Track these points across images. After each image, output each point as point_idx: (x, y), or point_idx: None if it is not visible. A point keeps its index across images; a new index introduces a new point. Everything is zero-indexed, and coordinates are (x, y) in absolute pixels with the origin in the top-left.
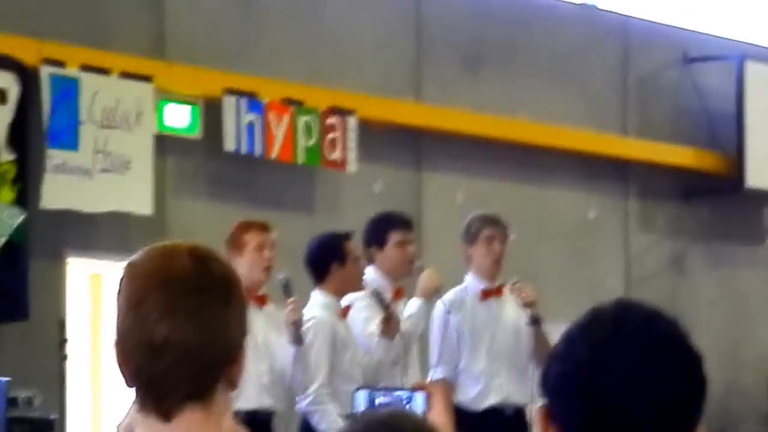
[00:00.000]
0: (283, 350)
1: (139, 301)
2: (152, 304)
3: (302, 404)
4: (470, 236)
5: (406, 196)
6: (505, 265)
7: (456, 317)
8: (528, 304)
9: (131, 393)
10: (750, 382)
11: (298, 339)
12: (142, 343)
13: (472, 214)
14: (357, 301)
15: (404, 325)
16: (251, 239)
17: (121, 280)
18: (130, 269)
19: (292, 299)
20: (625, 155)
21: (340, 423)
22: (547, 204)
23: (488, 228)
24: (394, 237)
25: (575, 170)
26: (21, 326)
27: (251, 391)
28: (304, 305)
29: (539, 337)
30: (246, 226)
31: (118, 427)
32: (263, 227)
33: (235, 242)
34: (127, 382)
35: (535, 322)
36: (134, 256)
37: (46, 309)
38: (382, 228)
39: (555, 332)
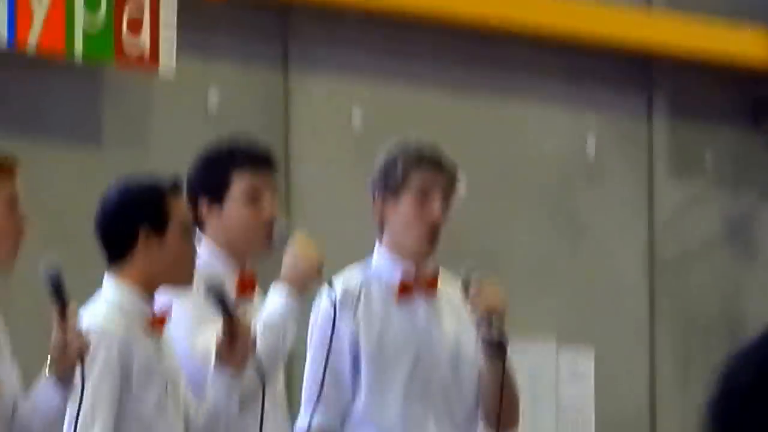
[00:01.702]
0: (11, 388)
1: None
2: None
3: None
4: (389, 183)
5: (264, 114)
6: (444, 237)
7: (351, 322)
8: (489, 313)
9: None
10: None
11: (67, 376)
12: None
13: (394, 146)
14: (179, 299)
15: (260, 342)
16: None
17: None
18: None
19: (66, 308)
20: (648, 43)
21: None
22: (514, 131)
23: (423, 170)
24: (239, 183)
25: (563, 71)
26: None
27: None
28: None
29: (500, 370)
30: None
31: None
32: (5, 167)
33: None
34: None
35: (498, 347)
36: None
37: None
38: (221, 169)
39: (529, 353)
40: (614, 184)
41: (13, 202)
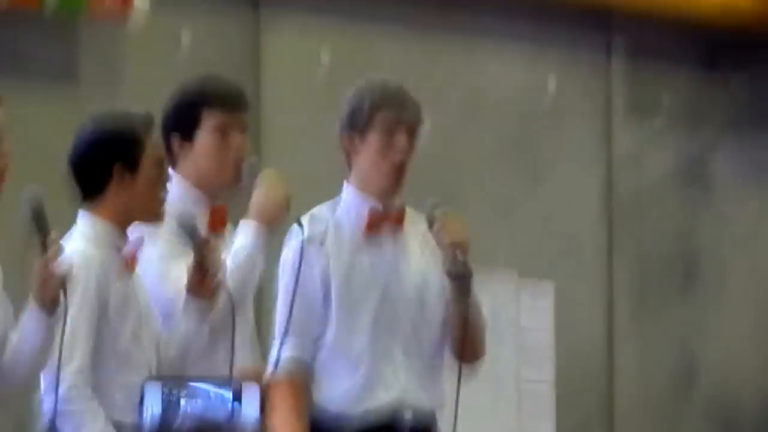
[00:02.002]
0: (2, 320)
1: None
2: None
3: (46, 402)
4: (356, 122)
5: (234, 55)
6: (410, 175)
7: (322, 256)
8: (454, 246)
9: None
10: None
11: (52, 303)
12: None
13: (360, 85)
14: (152, 234)
15: (230, 274)
16: None
17: None
18: None
19: (49, 237)
20: None
21: None
22: (476, 71)
23: (388, 109)
24: (209, 119)
25: (525, 14)
26: None
27: None
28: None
29: (464, 301)
30: None
31: None
32: None
33: None
34: None
35: (462, 275)
36: None
37: None
38: (191, 106)
39: (491, 286)
40: (574, 124)
41: None
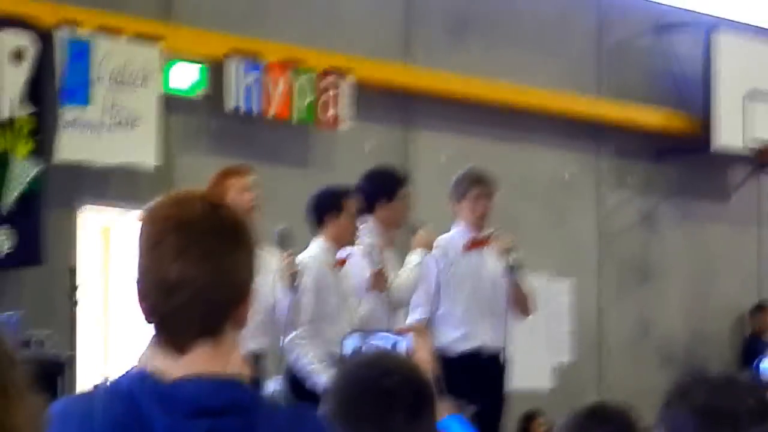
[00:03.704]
0: (266, 290)
1: (157, 242)
2: (168, 246)
3: (285, 342)
4: (459, 193)
5: (395, 154)
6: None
7: (441, 264)
8: (506, 251)
9: (144, 332)
10: (715, 330)
11: (293, 287)
12: (158, 281)
13: (462, 171)
14: (353, 254)
15: (401, 277)
16: (233, 184)
17: (141, 224)
18: (149, 214)
19: (289, 251)
20: (599, 117)
21: (315, 361)
22: (526, 163)
23: (476, 187)
24: (402, 192)
25: (553, 131)
26: (36, 273)
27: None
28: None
29: (516, 284)
30: (226, 173)
31: (139, 359)
32: (241, 171)
33: (218, 188)
34: (145, 318)
35: (512, 269)
36: (152, 203)
37: (59, 257)
38: (394, 183)
39: (533, 281)
40: (580, 194)
41: (242, 189)
